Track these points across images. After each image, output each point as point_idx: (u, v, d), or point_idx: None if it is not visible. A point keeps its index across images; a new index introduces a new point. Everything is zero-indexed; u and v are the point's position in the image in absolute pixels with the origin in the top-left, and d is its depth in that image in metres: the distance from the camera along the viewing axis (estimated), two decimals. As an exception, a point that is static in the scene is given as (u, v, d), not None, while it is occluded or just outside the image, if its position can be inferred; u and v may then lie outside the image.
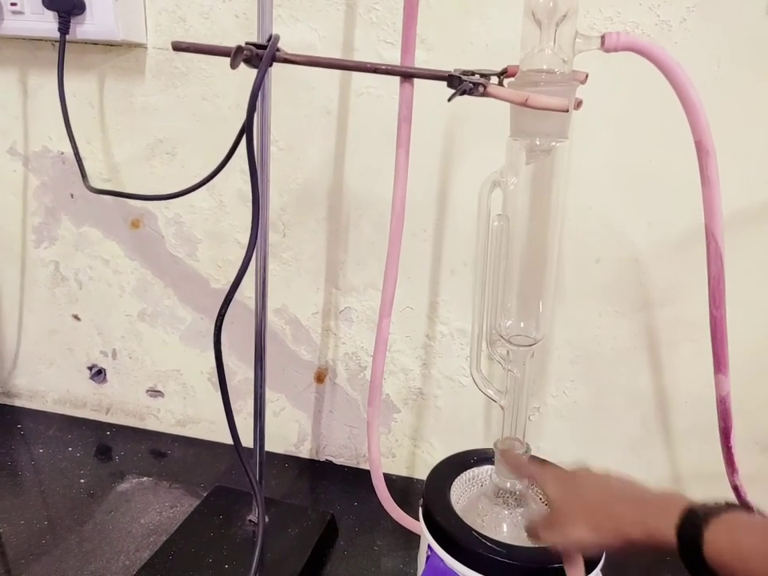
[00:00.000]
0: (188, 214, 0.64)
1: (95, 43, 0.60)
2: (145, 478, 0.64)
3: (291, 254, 0.62)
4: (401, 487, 0.64)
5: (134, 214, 0.66)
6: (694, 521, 0.28)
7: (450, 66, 0.54)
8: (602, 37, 0.33)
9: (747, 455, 0.57)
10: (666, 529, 0.29)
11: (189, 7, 0.58)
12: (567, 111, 0.32)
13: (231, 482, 0.62)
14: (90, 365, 0.72)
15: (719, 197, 0.35)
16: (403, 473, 0.66)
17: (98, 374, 0.72)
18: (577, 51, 0.34)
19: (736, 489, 0.45)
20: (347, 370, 0.65)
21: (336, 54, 0.56)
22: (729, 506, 0.28)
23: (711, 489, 0.58)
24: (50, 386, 0.75)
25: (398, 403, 0.64)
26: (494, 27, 0.52)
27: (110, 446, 0.70)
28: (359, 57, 0.56)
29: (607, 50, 0.33)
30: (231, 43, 0.59)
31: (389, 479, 0.64)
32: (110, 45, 0.60)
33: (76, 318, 0.71)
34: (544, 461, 0.39)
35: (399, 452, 0.66)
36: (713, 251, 0.36)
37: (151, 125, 0.62)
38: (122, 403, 0.73)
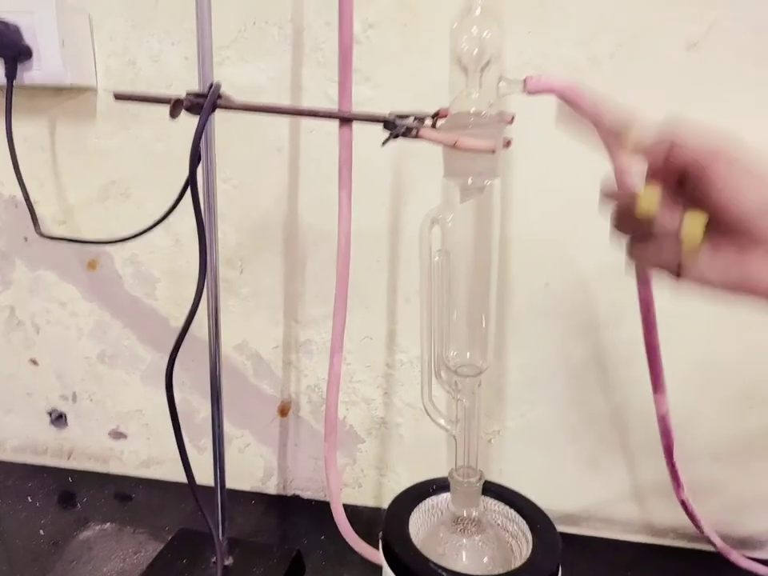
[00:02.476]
0: (145, 254, 0.64)
1: (44, 87, 0.61)
2: (108, 524, 0.62)
3: (249, 289, 0.63)
4: (368, 518, 0.64)
5: (90, 255, 0.65)
6: None
7: (396, 102, 0.56)
8: (524, 80, 0.35)
9: (700, 466, 0.59)
10: None
11: (138, 50, 0.59)
12: (494, 152, 0.34)
13: (197, 524, 0.61)
14: (49, 410, 0.71)
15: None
16: (370, 503, 0.66)
17: (59, 418, 0.71)
18: (501, 94, 0.36)
19: (683, 503, 0.46)
20: (310, 403, 0.65)
21: (285, 92, 0.58)
22: None
23: (669, 502, 0.60)
24: (9, 433, 0.73)
25: (362, 433, 0.64)
26: (435, 63, 0.54)
27: (73, 493, 0.68)
28: (307, 95, 0.57)
29: (529, 93, 0.35)
30: (180, 85, 0.61)
31: (356, 510, 0.65)
32: (59, 88, 0.60)
33: (34, 362, 0.70)
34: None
35: (365, 482, 0.66)
36: (641, 277, 0.38)
37: (104, 166, 0.62)
38: (84, 447, 0.72)
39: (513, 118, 0.37)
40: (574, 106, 0.34)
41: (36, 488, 0.68)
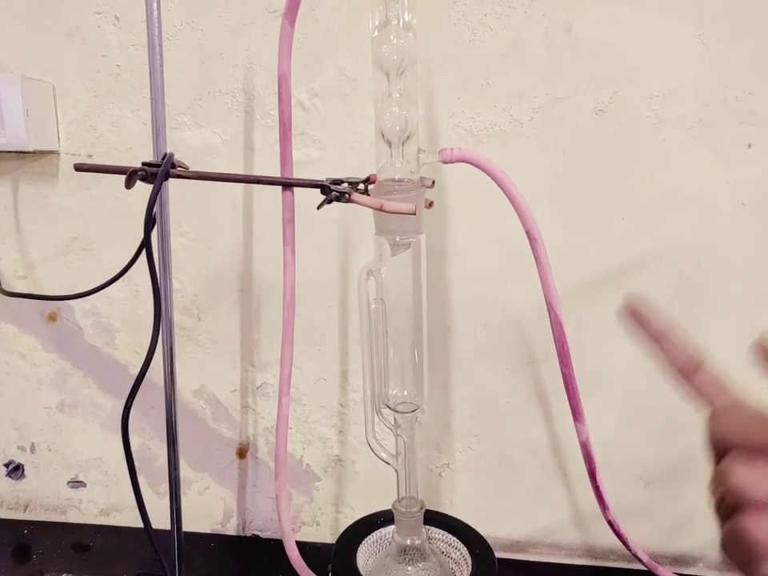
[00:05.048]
0: (105, 305, 0.67)
1: (8, 151, 0.64)
2: (64, 575, 0.63)
3: (207, 336, 0.66)
4: (326, 555, 0.65)
5: (50, 308, 0.68)
6: None
7: (341, 161, 0.62)
8: (440, 151, 0.40)
9: (631, 490, 0.64)
10: None
11: (99, 117, 0.63)
12: (416, 214, 0.39)
13: (156, 569, 0.62)
14: (6, 461, 0.72)
15: (551, 274, 0.42)
16: (328, 540, 0.68)
17: (16, 470, 0.71)
18: (421, 164, 0.41)
19: (610, 523, 0.50)
20: (267, 444, 0.67)
21: (238, 153, 0.62)
22: None
23: (607, 526, 0.64)
24: (-36, 487, 0.73)
25: (319, 472, 0.67)
26: (373, 129, 0.60)
27: (28, 545, 0.68)
28: (258, 156, 0.62)
29: (444, 162, 0.40)
30: (139, 147, 0.65)
31: (314, 548, 0.67)
32: (22, 153, 0.64)
33: (-9, 414, 0.71)
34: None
35: (323, 520, 0.68)
36: (553, 319, 0.43)
37: (66, 223, 0.65)
38: (42, 498, 0.72)
39: (433, 183, 0.42)
40: (486, 173, 0.39)
41: (-10, 542, 0.68)
